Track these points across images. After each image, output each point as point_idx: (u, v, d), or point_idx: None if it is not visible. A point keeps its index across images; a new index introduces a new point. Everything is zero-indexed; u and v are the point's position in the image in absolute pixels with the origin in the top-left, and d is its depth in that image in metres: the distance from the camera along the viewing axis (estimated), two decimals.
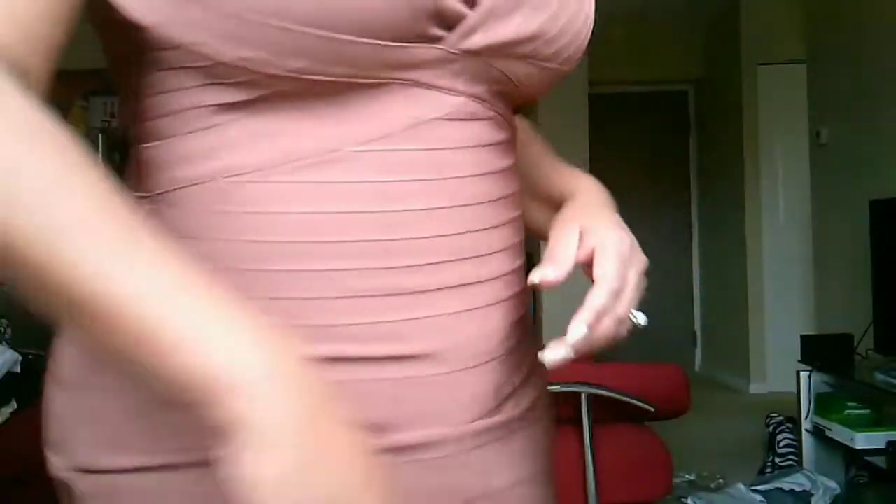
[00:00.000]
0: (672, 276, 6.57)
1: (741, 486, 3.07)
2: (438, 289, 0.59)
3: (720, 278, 6.09)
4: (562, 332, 0.60)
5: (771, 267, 5.57)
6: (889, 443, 2.81)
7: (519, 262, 0.67)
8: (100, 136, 5.28)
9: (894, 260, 3.23)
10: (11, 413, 2.98)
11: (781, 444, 3.43)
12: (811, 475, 3.06)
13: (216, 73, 0.54)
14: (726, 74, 5.82)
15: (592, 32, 0.67)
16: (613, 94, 6.38)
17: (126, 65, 0.59)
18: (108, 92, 5.55)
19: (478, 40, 0.58)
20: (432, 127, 0.58)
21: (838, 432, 2.99)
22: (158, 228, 0.49)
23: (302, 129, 0.56)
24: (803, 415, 3.25)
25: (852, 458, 3.24)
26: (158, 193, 0.58)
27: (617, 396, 2.29)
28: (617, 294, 0.61)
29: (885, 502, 3.16)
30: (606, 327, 0.60)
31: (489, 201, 0.62)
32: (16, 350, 3.14)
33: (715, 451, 3.98)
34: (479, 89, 0.60)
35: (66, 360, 0.61)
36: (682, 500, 3.12)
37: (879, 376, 2.97)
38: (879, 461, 2.85)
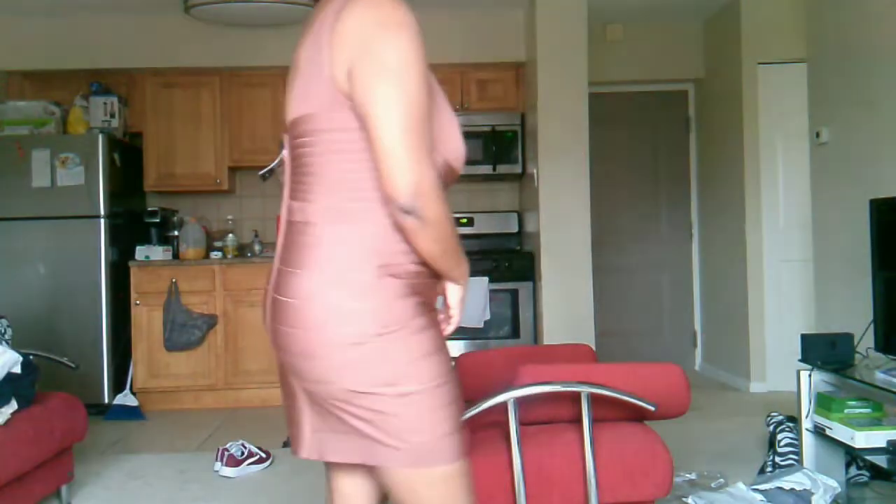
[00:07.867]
0: (672, 276, 6.57)
1: (742, 486, 3.08)
2: None
3: (720, 278, 6.09)
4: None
5: (771, 267, 5.57)
6: (889, 442, 2.82)
7: None
8: (100, 135, 5.26)
9: (894, 259, 3.24)
10: (12, 413, 2.99)
11: (782, 443, 3.43)
12: (812, 474, 3.06)
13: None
14: (726, 74, 5.82)
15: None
16: (613, 93, 6.38)
17: None
18: (108, 92, 5.54)
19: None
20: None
21: (839, 431, 2.99)
22: None
23: None
24: (804, 414, 3.25)
25: (853, 457, 3.25)
26: None
27: (617, 396, 2.29)
28: None
29: (886, 501, 3.16)
30: None
31: None
32: (16, 350, 3.14)
33: (715, 450, 3.98)
34: None
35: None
36: (683, 499, 3.12)
37: (880, 375, 2.98)
38: (880, 460, 2.85)
